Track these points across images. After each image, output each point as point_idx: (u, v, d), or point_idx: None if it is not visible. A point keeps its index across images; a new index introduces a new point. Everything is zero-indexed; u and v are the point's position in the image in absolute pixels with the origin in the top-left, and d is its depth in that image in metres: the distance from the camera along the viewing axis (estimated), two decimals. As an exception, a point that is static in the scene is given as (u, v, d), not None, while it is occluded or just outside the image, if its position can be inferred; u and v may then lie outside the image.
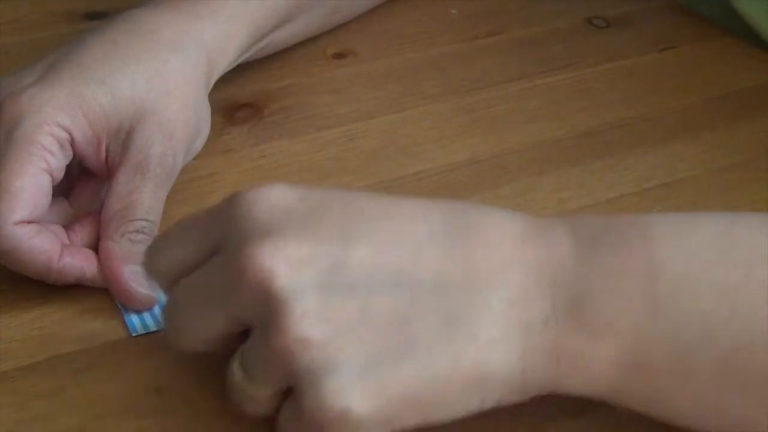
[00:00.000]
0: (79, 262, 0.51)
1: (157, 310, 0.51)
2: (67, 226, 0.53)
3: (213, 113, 0.60)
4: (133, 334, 0.50)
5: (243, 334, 0.43)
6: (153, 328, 0.50)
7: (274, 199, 0.42)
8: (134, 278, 0.51)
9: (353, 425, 0.40)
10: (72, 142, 0.53)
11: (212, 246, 0.43)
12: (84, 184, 0.55)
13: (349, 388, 0.40)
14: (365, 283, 0.41)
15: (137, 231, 0.52)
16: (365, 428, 0.41)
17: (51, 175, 0.52)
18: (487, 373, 0.42)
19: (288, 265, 0.41)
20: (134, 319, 0.51)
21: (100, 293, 0.52)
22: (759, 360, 0.41)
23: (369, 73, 0.69)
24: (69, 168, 0.53)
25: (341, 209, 0.43)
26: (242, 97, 0.67)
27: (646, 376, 0.42)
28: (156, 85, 0.55)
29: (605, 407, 0.46)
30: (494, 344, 0.41)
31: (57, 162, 0.52)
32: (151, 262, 0.46)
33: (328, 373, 0.40)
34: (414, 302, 0.41)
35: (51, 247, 0.51)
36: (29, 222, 0.50)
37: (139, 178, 0.53)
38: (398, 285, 0.41)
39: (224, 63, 0.61)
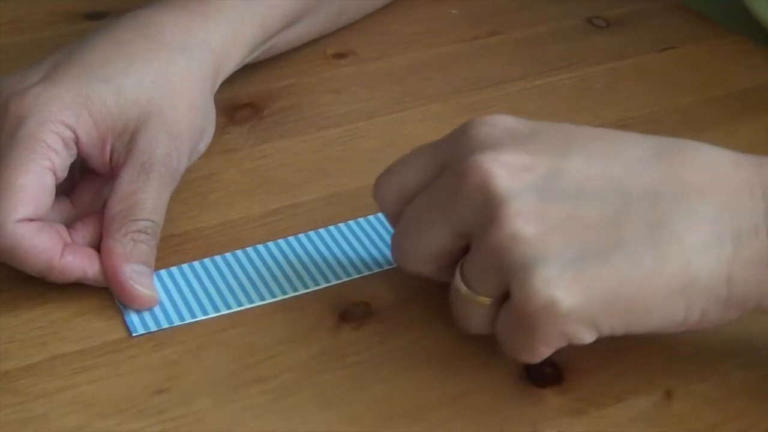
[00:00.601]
0: (81, 261, 0.51)
1: (157, 310, 0.51)
2: (69, 225, 0.53)
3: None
4: (133, 334, 0.50)
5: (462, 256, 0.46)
6: (153, 328, 0.50)
7: (497, 121, 0.47)
8: (135, 278, 0.51)
9: (559, 317, 0.43)
10: (77, 141, 0.53)
11: (441, 167, 0.47)
12: (86, 183, 0.55)
13: (556, 280, 0.43)
14: (578, 190, 0.44)
15: (140, 231, 0.52)
16: (571, 322, 0.43)
17: (55, 174, 0.52)
18: (691, 276, 0.43)
19: (506, 168, 0.44)
20: (134, 318, 0.51)
21: (100, 293, 0.52)
22: None
23: (369, 73, 0.69)
24: (71, 167, 0.53)
25: (558, 129, 0.47)
26: (242, 97, 0.67)
27: None
28: (161, 85, 0.55)
29: (606, 407, 0.46)
30: (700, 248, 0.43)
31: (61, 161, 0.52)
32: (382, 190, 0.49)
33: (537, 265, 0.43)
34: (623, 210, 0.44)
35: (53, 246, 0.51)
36: (31, 220, 0.50)
37: (143, 178, 0.53)
38: (609, 194, 0.44)
39: (231, 64, 0.61)
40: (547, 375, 0.48)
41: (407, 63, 0.70)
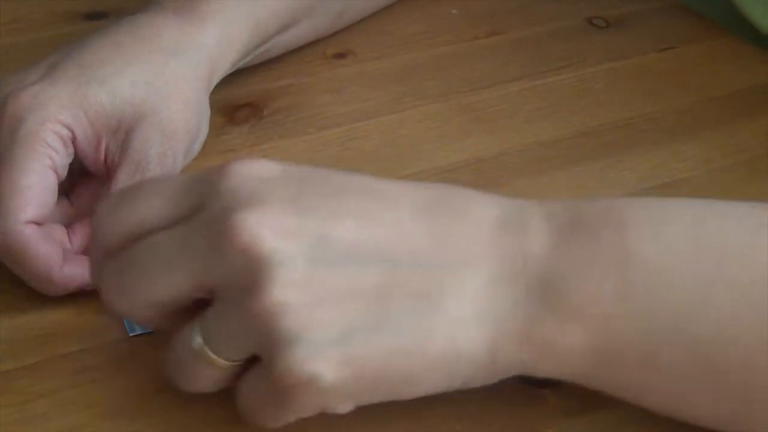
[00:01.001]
0: (81, 271, 0.51)
1: None
2: (68, 226, 0.53)
3: (213, 113, 0.60)
4: (130, 334, 0.50)
5: (185, 309, 0.44)
6: (150, 329, 0.50)
7: (259, 169, 0.43)
8: None
9: (320, 393, 0.41)
10: (74, 141, 0.53)
11: (185, 210, 0.44)
12: (85, 184, 0.55)
13: (321, 355, 0.41)
14: (347, 256, 0.42)
15: None
16: (331, 398, 0.42)
17: (56, 173, 0.52)
18: (455, 350, 0.42)
19: (275, 233, 0.41)
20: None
21: (100, 293, 0.52)
22: (726, 353, 0.42)
23: (369, 73, 0.69)
24: (71, 167, 0.53)
25: (325, 183, 0.44)
26: (242, 97, 0.66)
27: (615, 365, 0.43)
28: (156, 86, 0.55)
29: (606, 407, 0.46)
30: (464, 322, 0.42)
31: (61, 159, 0.52)
32: (109, 217, 0.45)
33: (302, 338, 0.41)
34: (392, 277, 0.42)
35: (55, 256, 0.50)
36: (37, 223, 0.50)
37: (138, 178, 0.53)
38: (379, 260, 0.42)
39: (226, 65, 0.61)
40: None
41: (407, 63, 0.70)
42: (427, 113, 0.66)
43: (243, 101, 0.66)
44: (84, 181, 0.55)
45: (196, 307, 0.44)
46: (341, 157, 0.62)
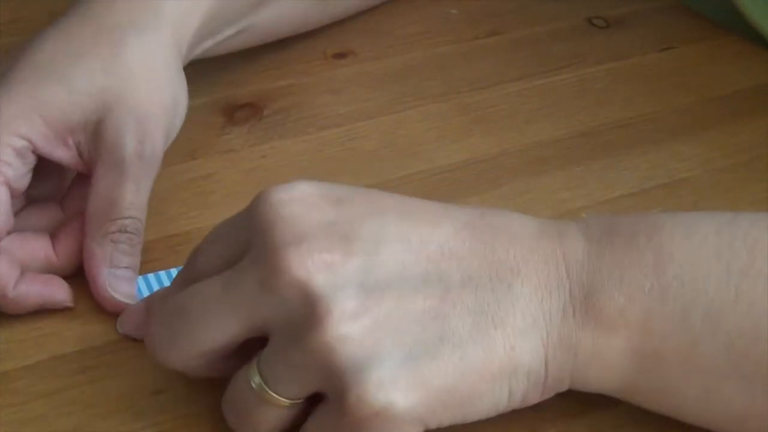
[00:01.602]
0: (37, 289, 0.50)
1: None
2: (53, 234, 0.52)
3: (213, 113, 0.60)
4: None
5: (239, 353, 0.43)
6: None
7: (298, 197, 0.43)
8: (113, 283, 0.50)
9: (394, 420, 0.41)
10: (33, 149, 0.51)
11: (236, 250, 0.43)
12: (77, 187, 0.54)
13: (392, 381, 0.41)
14: (398, 279, 0.42)
15: (120, 230, 0.51)
16: (404, 424, 0.41)
17: (9, 186, 0.50)
18: (516, 361, 0.42)
19: (324, 266, 0.41)
20: None
21: (100, 293, 0.52)
22: (761, 345, 0.42)
23: (369, 73, 0.69)
24: (59, 172, 0.52)
25: (364, 205, 0.44)
26: (242, 97, 0.66)
27: (657, 367, 0.43)
28: (116, 70, 0.52)
29: (606, 407, 0.46)
30: (521, 332, 0.43)
31: (15, 171, 0.50)
32: (189, 271, 0.45)
33: (369, 367, 0.41)
34: (445, 297, 0.42)
35: (6, 273, 0.49)
36: None
37: (117, 173, 0.51)
38: (429, 281, 0.42)
39: (192, 29, 0.57)
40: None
41: (407, 63, 0.70)
42: (427, 113, 0.66)
43: (243, 101, 0.66)
44: (76, 184, 0.54)
45: (251, 348, 0.43)
46: (341, 157, 0.62)
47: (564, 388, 0.44)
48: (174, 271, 0.53)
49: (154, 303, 0.48)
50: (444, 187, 0.60)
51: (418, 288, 0.42)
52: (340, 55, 0.71)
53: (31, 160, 0.51)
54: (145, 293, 0.52)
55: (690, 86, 0.69)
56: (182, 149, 0.60)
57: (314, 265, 0.41)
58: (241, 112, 0.65)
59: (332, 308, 0.40)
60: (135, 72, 0.53)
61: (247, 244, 0.43)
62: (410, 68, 0.70)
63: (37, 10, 0.75)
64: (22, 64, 0.52)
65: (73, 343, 0.50)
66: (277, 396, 0.42)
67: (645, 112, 0.66)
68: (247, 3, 0.62)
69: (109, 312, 0.51)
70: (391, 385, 0.41)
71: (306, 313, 0.41)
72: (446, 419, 0.42)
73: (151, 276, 0.53)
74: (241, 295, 0.42)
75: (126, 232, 0.51)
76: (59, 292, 0.50)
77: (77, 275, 0.52)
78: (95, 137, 0.51)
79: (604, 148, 0.63)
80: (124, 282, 0.51)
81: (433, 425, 0.42)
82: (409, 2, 0.76)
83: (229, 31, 0.62)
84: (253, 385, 0.42)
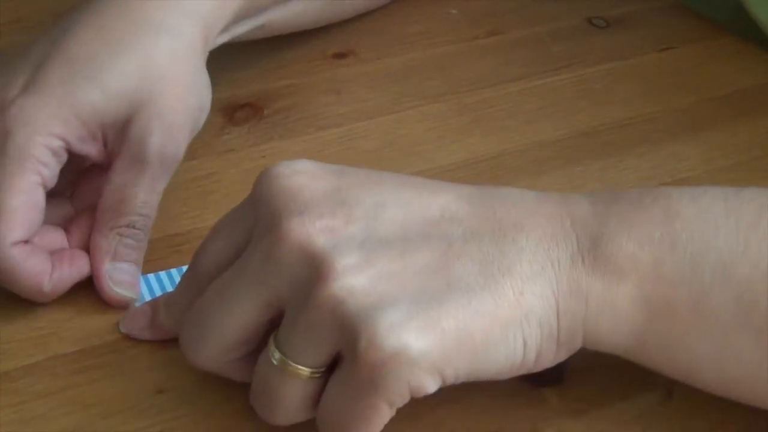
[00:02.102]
0: (67, 273, 0.51)
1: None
2: (66, 226, 0.53)
3: (213, 113, 0.60)
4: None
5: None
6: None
7: (300, 169, 0.44)
8: (115, 277, 0.51)
9: (408, 363, 0.41)
10: (67, 148, 0.52)
11: (246, 236, 0.44)
12: (87, 182, 0.54)
13: (402, 324, 0.41)
14: (400, 236, 0.43)
15: (128, 226, 0.51)
16: (419, 369, 0.41)
17: (45, 187, 0.51)
18: (526, 307, 0.42)
19: (326, 229, 0.42)
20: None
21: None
22: None
23: (369, 73, 0.69)
24: (71, 166, 0.53)
25: (362, 176, 0.45)
26: (242, 97, 0.66)
27: (667, 315, 0.43)
28: (149, 72, 0.53)
29: (605, 407, 0.46)
30: (529, 278, 0.43)
31: (50, 171, 0.51)
32: (194, 268, 0.46)
33: (378, 313, 0.41)
34: (447, 251, 0.43)
35: (42, 269, 0.50)
36: (24, 241, 0.50)
37: (135, 171, 0.52)
38: (431, 238, 0.43)
39: (219, 27, 0.58)
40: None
41: (407, 63, 0.70)
42: (427, 113, 0.66)
43: (243, 101, 0.66)
44: (86, 178, 0.55)
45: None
46: (341, 157, 0.62)
47: (577, 344, 0.44)
48: (175, 272, 0.53)
49: (158, 305, 0.49)
50: (444, 187, 0.60)
51: (419, 245, 0.43)
52: (340, 55, 0.71)
53: (64, 158, 0.52)
54: (146, 293, 0.52)
55: (690, 86, 0.69)
56: (182, 149, 0.60)
57: (315, 230, 0.42)
58: (241, 112, 0.65)
59: (335, 264, 0.41)
60: (166, 75, 0.53)
61: (250, 232, 0.44)
62: (410, 68, 0.70)
63: (38, 10, 0.75)
64: (56, 60, 0.52)
65: (73, 342, 0.50)
66: (297, 366, 0.42)
67: (645, 112, 0.66)
68: (271, 1, 0.63)
69: (110, 306, 0.51)
70: (402, 328, 0.41)
71: (310, 274, 0.41)
72: (462, 369, 0.42)
73: (151, 276, 0.53)
74: (250, 273, 0.43)
75: (134, 228, 0.52)
76: (85, 265, 0.51)
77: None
78: (121, 134, 0.52)
79: (604, 148, 0.63)
80: (126, 276, 0.51)
81: (450, 376, 0.42)
82: (409, 2, 0.76)
83: (245, 28, 0.62)
84: (274, 361, 0.43)
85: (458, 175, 0.61)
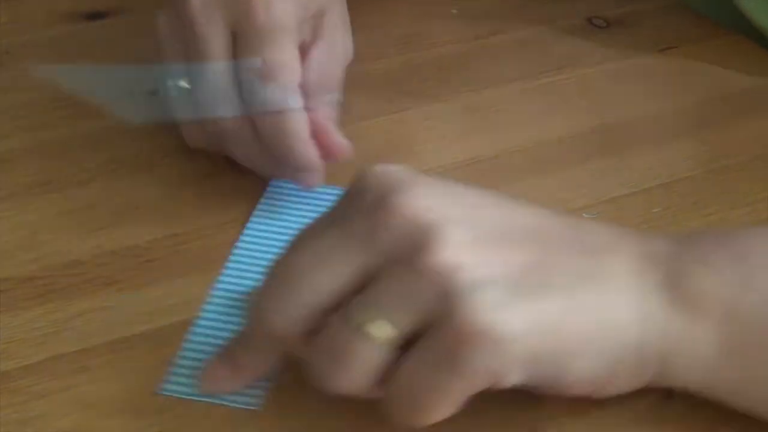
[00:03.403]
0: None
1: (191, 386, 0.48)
2: None
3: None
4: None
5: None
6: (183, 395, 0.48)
7: (395, 167, 0.45)
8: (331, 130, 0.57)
9: (498, 343, 0.41)
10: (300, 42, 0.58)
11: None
12: None
13: (500, 304, 0.41)
14: (502, 236, 0.43)
15: (329, 102, 0.58)
16: (507, 352, 0.41)
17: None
18: (613, 325, 0.43)
19: (435, 206, 0.43)
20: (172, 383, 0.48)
21: (101, 293, 0.52)
22: None
23: (369, 73, 0.69)
24: None
25: (464, 187, 0.46)
26: (242, 97, 0.66)
27: (742, 355, 0.44)
28: None
29: (605, 407, 0.46)
30: (618, 302, 0.44)
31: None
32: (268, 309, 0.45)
33: (480, 289, 0.41)
34: (545, 257, 0.43)
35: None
36: None
37: (332, 56, 0.59)
38: (530, 242, 0.44)
39: None
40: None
41: (407, 63, 0.70)
42: (427, 113, 0.66)
43: (243, 101, 0.66)
44: None
45: None
46: (341, 157, 0.62)
47: (646, 377, 0.44)
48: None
49: (232, 349, 0.48)
50: (444, 187, 0.60)
51: (521, 244, 0.43)
52: (340, 55, 0.71)
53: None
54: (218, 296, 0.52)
55: (690, 86, 0.69)
56: (183, 148, 0.60)
57: (427, 205, 0.43)
58: (241, 112, 0.65)
59: (447, 236, 0.42)
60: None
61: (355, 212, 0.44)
62: (410, 68, 0.70)
63: (37, 10, 0.75)
64: None
65: (73, 342, 0.50)
66: (381, 328, 0.42)
67: (645, 112, 0.66)
68: None
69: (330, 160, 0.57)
70: (499, 308, 0.41)
71: (420, 241, 0.42)
72: (546, 368, 0.42)
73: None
74: (356, 236, 0.43)
75: (331, 105, 0.59)
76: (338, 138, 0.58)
77: (78, 279, 0.52)
78: (315, 25, 0.59)
79: (605, 148, 0.63)
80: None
81: (531, 373, 0.42)
82: (409, 2, 0.76)
83: None
84: (353, 323, 0.42)
85: (458, 175, 0.61)
